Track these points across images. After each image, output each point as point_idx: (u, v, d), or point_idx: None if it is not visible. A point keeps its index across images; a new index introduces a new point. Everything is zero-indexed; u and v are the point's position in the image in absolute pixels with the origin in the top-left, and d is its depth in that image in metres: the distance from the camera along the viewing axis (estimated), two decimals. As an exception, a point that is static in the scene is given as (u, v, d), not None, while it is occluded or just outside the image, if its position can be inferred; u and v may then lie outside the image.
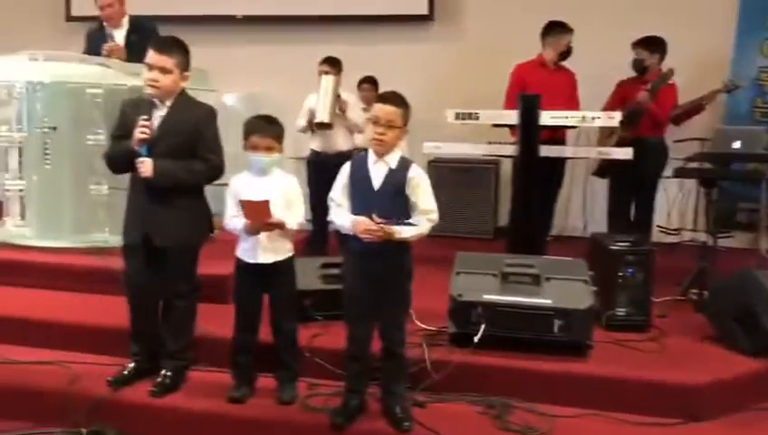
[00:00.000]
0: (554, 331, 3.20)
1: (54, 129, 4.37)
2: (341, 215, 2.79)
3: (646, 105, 4.97)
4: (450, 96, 5.27)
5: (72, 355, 3.45)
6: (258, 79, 6.23)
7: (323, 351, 3.29)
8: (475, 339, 3.19)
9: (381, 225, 2.63)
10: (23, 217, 4.59)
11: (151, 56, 2.97)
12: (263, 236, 2.94)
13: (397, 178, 2.73)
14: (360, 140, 5.05)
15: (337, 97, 4.83)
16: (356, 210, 2.77)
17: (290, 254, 3.05)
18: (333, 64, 4.95)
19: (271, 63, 6.40)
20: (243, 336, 3.08)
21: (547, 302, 3.23)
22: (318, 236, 4.96)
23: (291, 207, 2.99)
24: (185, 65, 3.03)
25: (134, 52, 4.49)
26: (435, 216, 2.77)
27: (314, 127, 4.80)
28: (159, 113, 3.02)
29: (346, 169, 2.82)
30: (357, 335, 2.87)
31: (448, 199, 5.49)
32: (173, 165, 2.97)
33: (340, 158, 4.69)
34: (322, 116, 4.67)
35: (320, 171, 4.85)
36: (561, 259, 3.57)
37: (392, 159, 2.76)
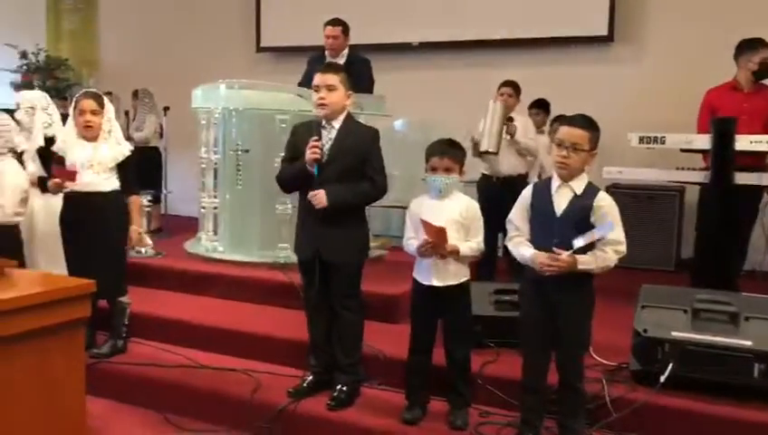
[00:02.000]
0: (754, 375, 2.91)
1: (247, 151, 4.69)
2: (522, 245, 2.73)
3: None
4: (629, 120, 5.04)
5: (254, 364, 3.67)
6: (430, 104, 6.32)
7: (495, 378, 3.24)
8: (662, 378, 2.98)
9: (562, 256, 2.54)
10: (215, 232, 4.95)
11: (317, 78, 3.13)
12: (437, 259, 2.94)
13: (582, 205, 2.63)
14: (546, 162, 4.96)
15: (508, 120, 4.76)
16: (535, 237, 2.71)
17: (465, 278, 3.02)
18: (514, 88, 4.91)
19: (443, 88, 6.47)
20: (416, 358, 3.10)
21: (746, 343, 2.95)
22: (486, 260, 4.90)
23: (469, 232, 2.97)
24: (349, 85, 3.16)
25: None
26: (623, 247, 2.64)
27: (479, 154, 4.76)
28: (329, 136, 3.14)
29: (527, 192, 2.77)
30: (533, 366, 2.78)
31: (627, 227, 5.16)
32: (343, 190, 3.08)
33: (508, 183, 4.69)
34: (487, 144, 4.61)
35: (487, 195, 4.81)
36: (762, 297, 3.25)
37: (578, 185, 2.66)
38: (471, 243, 2.95)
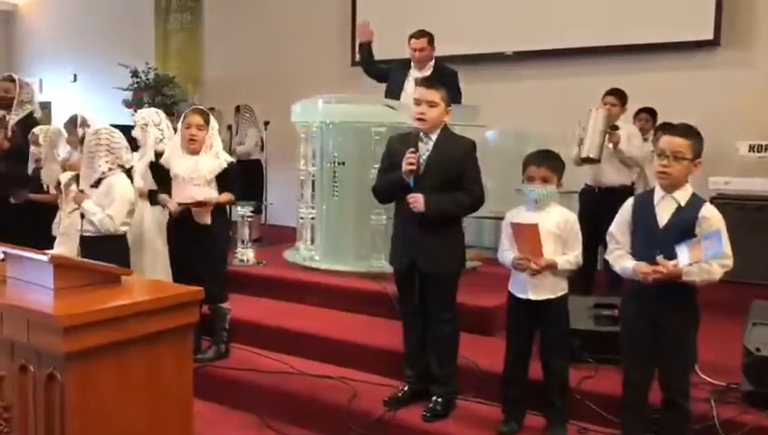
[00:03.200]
0: None
1: (343, 163, 4.80)
2: (623, 258, 2.66)
3: None
4: (736, 127, 4.80)
5: (349, 372, 3.73)
6: (525, 114, 6.24)
7: (594, 394, 3.16)
8: (776, 401, 2.82)
9: (665, 266, 2.46)
10: (312, 241, 5.08)
11: (420, 92, 3.17)
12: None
13: (686, 217, 2.55)
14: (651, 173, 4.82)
15: (612, 129, 4.64)
16: (637, 249, 2.63)
17: (563, 292, 2.97)
18: (619, 97, 4.79)
19: (539, 98, 6.38)
20: (512, 371, 3.07)
21: None
22: (585, 273, 4.78)
23: (566, 245, 2.93)
24: (448, 101, 3.18)
25: None
26: (729, 262, 2.53)
27: (580, 161, 4.64)
28: (426, 147, 3.17)
29: (629, 204, 2.70)
30: (634, 382, 2.70)
31: (734, 240, 4.93)
32: (441, 198, 3.09)
33: (610, 194, 4.55)
34: (587, 150, 4.51)
35: (588, 207, 4.71)
36: None
37: (682, 196, 2.58)
38: (568, 256, 2.91)
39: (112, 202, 3.60)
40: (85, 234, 3.61)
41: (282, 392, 3.62)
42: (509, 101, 6.35)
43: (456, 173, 3.12)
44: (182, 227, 3.85)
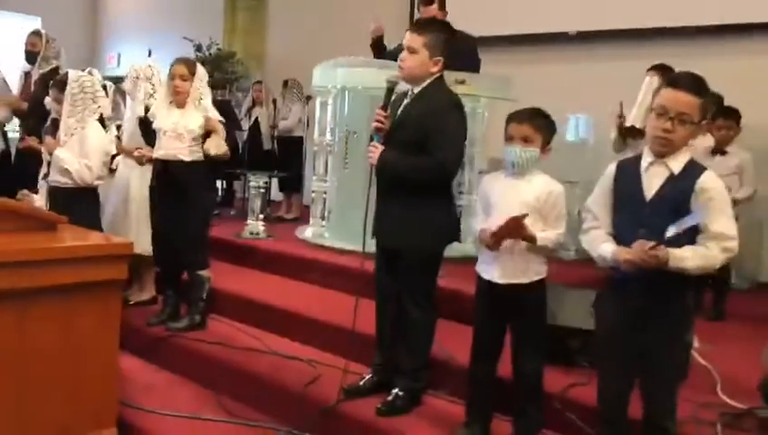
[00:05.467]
0: None
1: (355, 133, 4.44)
2: (599, 240, 2.14)
3: None
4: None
5: (328, 356, 3.36)
6: (589, 99, 5.64)
7: (579, 405, 2.65)
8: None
9: (653, 248, 1.95)
10: (322, 217, 4.75)
11: (405, 37, 2.73)
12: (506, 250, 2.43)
13: (680, 188, 2.02)
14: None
15: None
16: (619, 227, 2.12)
17: (538, 277, 2.47)
18: (662, 72, 4.15)
19: (604, 82, 5.75)
20: (478, 366, 2.61)
21: None
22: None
23: (546, 222, 2.44)
24: (437, 49, 2.71)
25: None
26: (732, 244, 1.98)
27: (623, 133, 4.00)
28: (406, 102, 2.75)
29: (611, 170, 2.18)
30: (609, 393, 2.20)
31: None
32: (397, 157, 2.68)
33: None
34: (633, 118, 3.85)
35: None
36: None
37: (676, 163, 2.04)
38: (549, 233, 2.41)
39: (88, 153, 3.40)
40: (53, 183, 3.43)
41: (245, 371, 3.31)
42: (573, 86, 5.73)
43: (423, 134, 2.66)
44: (161, 190, 3.62)
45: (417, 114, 2.71)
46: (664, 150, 2.06)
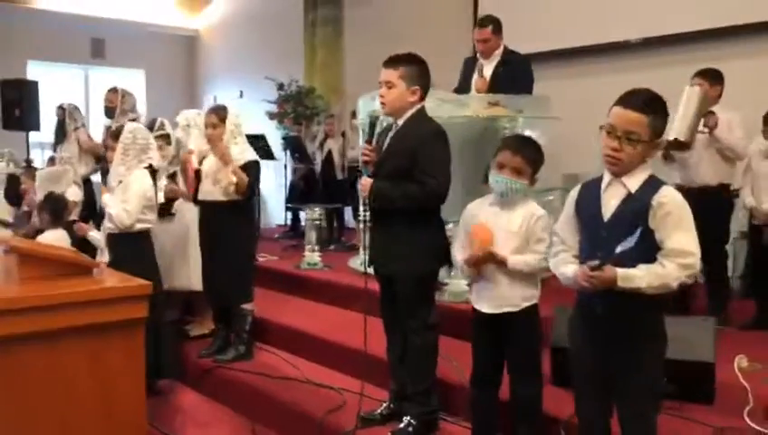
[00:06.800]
0: None
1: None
2: (563, 263, 2.12)
3: None
4: None
5: (366, 386, 3.42)
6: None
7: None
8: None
9: (597, 268, 1.91)
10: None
11: (381, 75, 2.80)
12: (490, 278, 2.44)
13: (635, 208, 1.96)
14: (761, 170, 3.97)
15: (708, 114, 3.83)
16: (583, 250, 2.08)
17: (528, 304, 2.45)
18: (710, 78, 3.97)
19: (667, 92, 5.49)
20: (477, 392, 2.61)
21: None
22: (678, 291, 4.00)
23: (527, 248, 2.42)
24: (413, 79, 2.76)
25: (499, 84, 4.41)
26: (692, 260, 1.90)
27: (667, 148, 3.84)
28: (391, 135, 2.82)
29: (574, 192, 2.15)
30: (584, 415, 2.15)
31: None
32: (387, 186, 2.74)
33: (704, 195, 3.73)
34: (677, 131, 3.70)
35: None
36: None
37: (633, 181, 1.99)
38: (525, 256, 2.40)
39: (128, 198, 3.63)
40: (107, 231, 3.71)
41: (277, 399, 3.44)
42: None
43: (411, 163, 2.72)
44: (203, 231, 3.87)
45: (403, 145, 2.78)
46: (614, 169, 2.01)
